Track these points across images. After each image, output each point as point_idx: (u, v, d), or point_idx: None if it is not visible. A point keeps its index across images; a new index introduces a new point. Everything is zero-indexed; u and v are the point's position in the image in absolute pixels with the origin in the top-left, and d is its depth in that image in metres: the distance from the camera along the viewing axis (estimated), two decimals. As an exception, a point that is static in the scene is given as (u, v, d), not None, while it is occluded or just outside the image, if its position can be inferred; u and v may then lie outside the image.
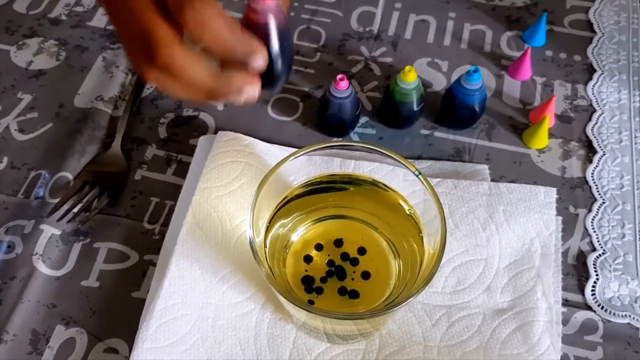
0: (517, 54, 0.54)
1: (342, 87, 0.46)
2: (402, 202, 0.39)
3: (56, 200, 0.46)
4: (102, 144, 0.49)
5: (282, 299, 0.34)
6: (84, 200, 0.46)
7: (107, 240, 0.45)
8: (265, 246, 0.38)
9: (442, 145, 0.50)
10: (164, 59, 0.30)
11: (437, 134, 0.50)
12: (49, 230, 0.45)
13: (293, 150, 0.44)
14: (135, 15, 0.31)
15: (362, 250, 0.40)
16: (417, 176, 0.36)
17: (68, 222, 0.45)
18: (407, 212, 0.39)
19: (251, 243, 0.34)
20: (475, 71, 0.46)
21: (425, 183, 0.35)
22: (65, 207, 0.45)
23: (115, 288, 0.43)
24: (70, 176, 0.48)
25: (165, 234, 0.44)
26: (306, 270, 0.39)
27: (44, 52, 0.55)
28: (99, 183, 0.47)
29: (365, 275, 0.40)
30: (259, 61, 0.31)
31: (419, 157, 0.49)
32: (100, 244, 0.45)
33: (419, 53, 0.55)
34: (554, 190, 0.45)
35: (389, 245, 0.41)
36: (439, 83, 0.53)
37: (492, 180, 0.47)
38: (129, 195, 0.47)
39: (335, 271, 0.40)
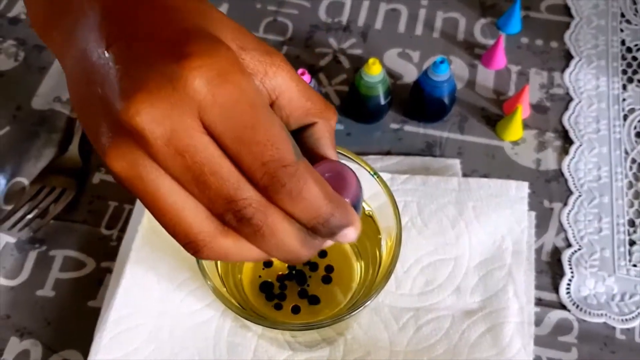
0: (492, 42, 0.52)
1: (304, 82, 0.44)
2: (361, 202, 0.37)
3: (10, 207, 0.44)
4: (59, 147, 0.47)
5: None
6: (40, 206, 0.44)
7: (63, 247, 0.43)
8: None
9: (413, 139, 0.48)
10: (257, 220, 0.21)
11: (407, 127, 0.48)
12: (4, 239, 0.43)
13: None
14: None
15: (322, 253, 0.39)
16: (372, 176, 0.34)
17: (20, 230, 0.43)
18: (366, 212, 0.37)
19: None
20: (442, 62, 0.44)
21: (381, 184, 0.34)
22: (19, 213, 0.44)
23: (70, 297, 0.41)
24: (26, 181, 0.46)
25: (123, 240, 0.43)
26: (260, 277, 0.38)
27: (2, 52, 0.53)
28: (55, 188, 0.45)
29: (326, 279, 0.38)
30: (353, 235, 0.24)
31: (388, 153, 0.47)
32: (56, 251, 0.43)
33: (390, 44, 0.53)
34: (526, 184, 0.43)
35: (352, 246, 0.39)
36: (410, 75, 0.51)
37: (464, 175, 0.45)
38: (87, 200, 0.45)
39: (295, 275, 0.38)
